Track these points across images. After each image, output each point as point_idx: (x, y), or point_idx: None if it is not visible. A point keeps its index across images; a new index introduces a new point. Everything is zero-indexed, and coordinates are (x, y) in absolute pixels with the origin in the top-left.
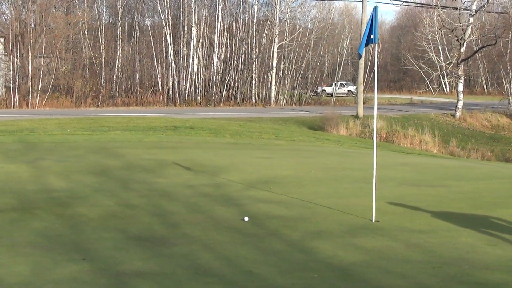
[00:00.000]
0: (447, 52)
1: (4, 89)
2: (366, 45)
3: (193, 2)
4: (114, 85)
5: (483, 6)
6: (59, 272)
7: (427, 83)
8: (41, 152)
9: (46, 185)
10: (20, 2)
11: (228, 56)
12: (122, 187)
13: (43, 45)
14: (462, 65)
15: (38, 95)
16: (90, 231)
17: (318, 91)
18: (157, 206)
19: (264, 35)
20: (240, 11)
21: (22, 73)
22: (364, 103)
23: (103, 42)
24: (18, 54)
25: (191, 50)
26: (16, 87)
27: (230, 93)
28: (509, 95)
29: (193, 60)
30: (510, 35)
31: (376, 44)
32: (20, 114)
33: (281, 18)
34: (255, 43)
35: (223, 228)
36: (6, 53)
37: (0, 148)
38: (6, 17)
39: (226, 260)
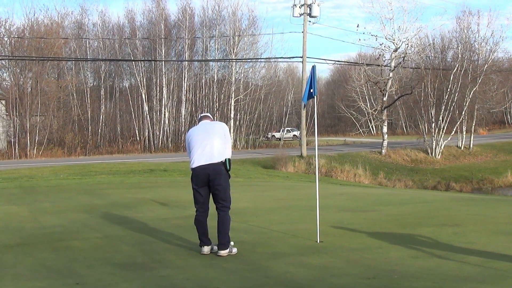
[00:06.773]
0: (372, 101)
1: (6, 143)
2: (309, 98)
3: (163, 66)
4: (99, 136)
5: (400, 63)
6: None
7: (357, 126)
8: (38, 195)
9: (42, 222)
10: (18, 70)
11: (194, 109)
12: (107, 222)
13: (39, 105)
14: (385, 111)
15: (35, 147)
16: (82, 260)
17: (269, 136)
18: (137, 237)
19: (222, 91)
20: (203, 72)
21: (21, 129)
22: (307, 145)
23: (89, 102)
24: (17, 114)
25: (163, 106)
26: (16, 141)
27: None
28: (424, 134)
29: (164, 114)
30: (422, 86)
31: (315, 96)
32: (20, 164)
33: (236, 77)
34: (216, 98)
35: (194, 253)
36: (7, 113)
37: (3, 192)
38: (6, 83)
39: (197, 280)
